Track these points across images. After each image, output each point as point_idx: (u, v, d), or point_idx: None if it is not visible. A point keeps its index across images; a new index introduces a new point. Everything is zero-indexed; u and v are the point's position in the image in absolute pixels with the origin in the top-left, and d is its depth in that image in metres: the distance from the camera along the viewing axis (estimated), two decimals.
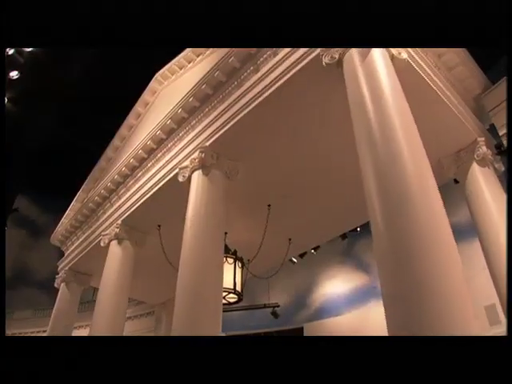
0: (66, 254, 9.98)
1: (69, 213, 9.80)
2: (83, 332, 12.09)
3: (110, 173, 8.26)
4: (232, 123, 5.79)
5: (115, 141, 9.13)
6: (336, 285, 14.76)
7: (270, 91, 5.35)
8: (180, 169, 6.27)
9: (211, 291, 5.11)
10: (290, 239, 8.09)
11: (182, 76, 7.89)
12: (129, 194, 7.81)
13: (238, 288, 7.24)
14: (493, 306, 10.58)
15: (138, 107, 8.75)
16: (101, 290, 7.36)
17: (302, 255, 13.63)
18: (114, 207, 8.21)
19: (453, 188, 11.15)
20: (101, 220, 8.63)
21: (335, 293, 14.65)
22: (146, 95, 8.64)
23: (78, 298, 9.55)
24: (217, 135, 5.91)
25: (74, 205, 9.75)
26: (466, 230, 11.85)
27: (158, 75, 8.43)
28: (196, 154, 6.02)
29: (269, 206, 7.16)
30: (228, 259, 7.18)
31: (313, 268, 15.07)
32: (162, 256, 8.73)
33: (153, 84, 8.52)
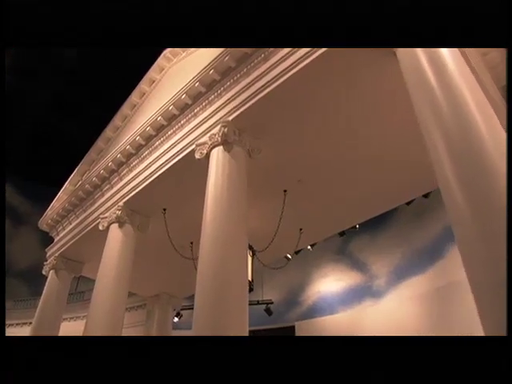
0: (55, 240, 9.35)
1: (61, 195, 9.18)
2: (68, 325, 11.40)
3: (111, 152, 7.72)
4: (257, 98, 5.39)
5: (115, 120, 8.60)
6: (330, 283, 14.50)
7: (302, 64, 4.98)
8: (197, 145, 5.83)
9: (236, 282, 4.57)
10: (300, 229, 7.74)
11: (195, 53, 7.44)
12: (132, 174, 7.30)
13: (249, 278, 6.84)
14: None
15: (143, 85, 8.25)
16: (99, 276, 6.81)
17: (297, 252, 13.32)
18: (115, 189, 7.67)
19: None
20: (98, 203, 8.07)
21: (329, 291, 14.40)
22: (152, 72, 8.15)
23: (67, 286, 8.94)
24: (240, 110, 5.51)
25: (67, 187, 9.14)
26: None
27: (166, 52, 7.96)
28: (216, 130, 5.60)
29: (285, 191, 6.79)
30: None
31: (306, 265, 14.79)
32: (160, 244, 8.26)
33: (161, 61, 8.04)
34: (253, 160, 5.71)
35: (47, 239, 11.42)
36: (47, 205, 9.86)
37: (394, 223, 13.78)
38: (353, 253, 14.57)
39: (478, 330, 8.93)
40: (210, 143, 5.62)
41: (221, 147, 5.46)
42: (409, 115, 5.76)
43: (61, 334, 8.49)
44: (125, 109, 8.49)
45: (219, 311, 4.28)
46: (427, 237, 12.82)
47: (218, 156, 5.45)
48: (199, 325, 4.33)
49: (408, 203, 10.69)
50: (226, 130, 5.42)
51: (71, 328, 11.20)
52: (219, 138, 5.46)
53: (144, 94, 8.30)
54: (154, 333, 10.21)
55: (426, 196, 10.45)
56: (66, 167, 10.95)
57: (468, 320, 10.68)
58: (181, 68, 7.59)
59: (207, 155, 5.63)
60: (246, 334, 4.32)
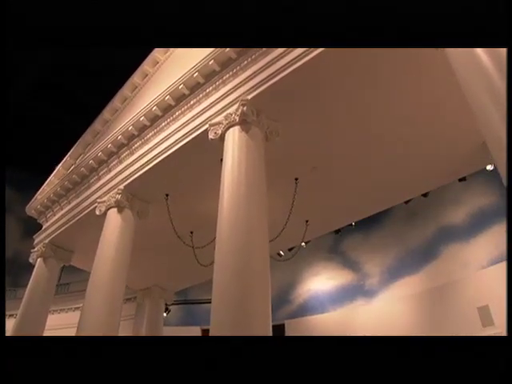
0: (44, 227, 8.85)
1: (52, 179, 8.69)
2: (52, 318, 10.81)
3: (111, 134, 7.32)
4: (278, 78, 5.13)
5: (115, 102, 8.18)
6: (321, 281, 14.34)
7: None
8: (211, 125, 5.52)
9: (259, 274, 4.20)
10: (307, 221, 7.50)
11: None
12: (134, 156, 6.93)
13: None
14: (486, 308, 10.53)
15: (146, 65, 7.86)
16: (97, 261, 6.38)
17: (290, 248, 13.09)
18: (114, 172, 7.27)
19: (449, 189, 11.12)
20: (94, 187, 7.64)
21: (320, 289, 14.23)
22: (156, 53, 7.77)
23: (56, 276, 8.45)
24: (260, 89, 5.24)
25: (59, 171, 8.65)
26: (462, 230, 11.86)
27: None
28: (233, 109, 5.31)
29: (296, 179, 6.54)
30: None
31: (298, 263, 14.53)
32: (155, 233, 7.92)
33: None
34: (273, 141, 5.43)
35: (28, 229, 10.84)
36: (28, 193, 9.39)
37: (388, 223, 13.73)
38: (345, 251, 14.44)
39: (470, 331, 8.72)
40: (225, 123, 5.32)
41: (238, 127, 5.17)
42: (430, 110, 5.68)
43: (46, 327, 8.01)
44: (125, 90, 8.08)
45: (241, 305, 3.92)
46: (421, 237, 12.81)
47: (234, 136, 5.15)
48: (218, 320, 3.98)
49: (406, 202, 10.57)
50: (245, 108, 5.13)
51: (56, 321, 10.68)
52: (237, 118, 5.18)
53: (146, 75, 7.91)
54: (144, 328, 9.79)
55: (425, 195, 10.38)
56: (50, 154, 10.49)
57: (461, 321, 10.70)
58: (188, 49, 7.24)
59: (222, 136, 5.33)
60: (270, 329, 3.98)
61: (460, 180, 9.31)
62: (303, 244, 12.91)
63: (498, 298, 9.80)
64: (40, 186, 9.11)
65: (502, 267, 10.24)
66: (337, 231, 12.80)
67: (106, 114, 8.23)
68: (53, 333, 9.50)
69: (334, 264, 14.45)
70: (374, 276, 13.40)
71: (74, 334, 10.92)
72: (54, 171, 8.75)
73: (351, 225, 12.19)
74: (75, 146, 8.61)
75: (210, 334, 3.90)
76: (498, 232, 10.88)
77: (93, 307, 6.00)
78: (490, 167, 8.38)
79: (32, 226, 9.89)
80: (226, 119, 5.32)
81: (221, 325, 3.91)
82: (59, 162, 8.85)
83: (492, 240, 11.01)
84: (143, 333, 9.72)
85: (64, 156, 8.74)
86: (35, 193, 9.17)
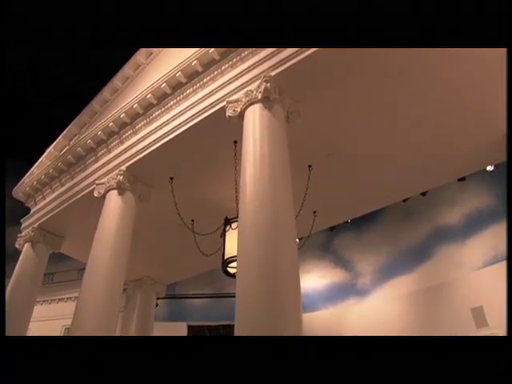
0: (33, 210, 8.32)
1: (43, 161, 8.17)
2: (37, 309, 10.25)
3: (112, 113, 6.89)
4: (304, 56, 4.84)
5: (115, 81, 7.75)
6: (313, 279, 14.17)
7: None
8: (228, 102, 5.21)
9: (286, 261, 3.88)
10: (314, 212, 7.25)
11: None
12: (138, 136, 6.53)
13: None
14: (480, 309, 10.54)
15: None
16: (95, 246, 5.95)
17: None
18: (114, 153, 6.85)
19: (445, 189, 11.11)
20: (91, 168, 7.19)
21: (311, 287, 14.05)
22: None
23: (44, 263, 7.91)
24: (284, 66, 4.93)
25: (51, 152, 8.16)
26: (457, 231, 11.88)
27: None
28: (254, 86, 5.01)
29: (310, 166, 6.29)
30: None
31: None
32: (150, 221, 7.57)
33: None
34: (294, 123, 5.16)
35: (11, 218, 10.26)
36: (10, 180, 8.86)
37: (381, 222, 13.67)
38: (337, 250, 14.32)
39: (464, 332, 8.64)
40: (245, 100, 5.02)
41: (259, 104, 4.87)
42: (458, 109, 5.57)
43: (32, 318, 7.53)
44: (126, 70, 7.65)
45: (270, 298, 3.57)
46: (415, 237, 12.79)
47: (255, 114, 4.85)
48: (244, 314, 3.66)
49: (404, 200, 10.47)
50: (268, 84, 4.84)
51: (40, 313, 10.11)
52: (259, 95, 4.88)
53: (151, 54, 7.51)
54: (134, 321, 9.34)
55: (423, 194, 10.29)
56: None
57: (454, 321, 10.67)
58: None
59: (241, 113, 5.03)
60: (301, 327, 3.67)
61: (459, 180, 9.27)
62: (297, 240, 12.69)
63: (493, 299, 9.82)
64: (23, 173, 8.60)
65: (497, 268, 10.27)
66: (332, 228, 12.66)
67: (105, 93, 7.79)
68: (37, 325, 8.97)
69: (325, 262, 14.30)
70: (367, 275, 13.31)
71: (60, 327, 10.34)
72: (45, 152, 8.25)
73: (347, 222, 12.04)
74: (70, 126, 8.13)
75: (236, 332, 3.58)
76: (494, 233, 10.93)
77: (91, 296, 5.55)
78: (490, 168, 8.35)
79: (15, 214, 9.36)
80: (246, 96, 5.01)
81: (247, 320, 3.58)
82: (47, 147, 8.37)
83: (487, 241, 11.04)
84: (133, 327, 9.28)
85: (49, 147, 8.27)
86: (18, 180, 8.65)
